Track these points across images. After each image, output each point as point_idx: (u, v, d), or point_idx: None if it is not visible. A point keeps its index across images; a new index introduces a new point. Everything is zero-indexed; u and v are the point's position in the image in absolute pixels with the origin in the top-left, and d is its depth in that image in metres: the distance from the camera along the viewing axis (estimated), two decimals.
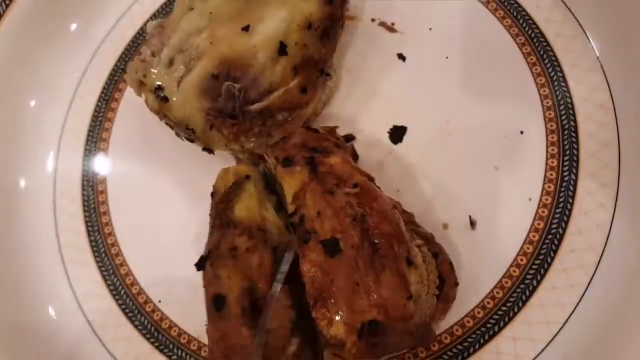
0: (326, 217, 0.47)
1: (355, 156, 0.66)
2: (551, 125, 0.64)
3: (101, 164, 0.75)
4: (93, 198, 0.73)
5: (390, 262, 0.46)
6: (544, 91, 0.65)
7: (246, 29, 0.60)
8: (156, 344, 0.64)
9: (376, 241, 0.46)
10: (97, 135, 0.77)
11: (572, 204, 0.60)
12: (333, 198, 0.48)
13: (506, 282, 0.59)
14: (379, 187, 0.53)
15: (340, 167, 0.52)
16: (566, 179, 0.61)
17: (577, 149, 0.62)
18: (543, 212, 0.60)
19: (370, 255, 0.45)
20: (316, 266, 0.46)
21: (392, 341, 0.46)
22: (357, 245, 0.46)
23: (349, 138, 0.68)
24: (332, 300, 0.44)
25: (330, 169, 0.51)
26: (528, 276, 0.58)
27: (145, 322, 0.65)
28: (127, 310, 0.67)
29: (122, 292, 0.68)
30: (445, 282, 0.53)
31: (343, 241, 0.46)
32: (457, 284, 0.55)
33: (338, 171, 0.51)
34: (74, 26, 0.82)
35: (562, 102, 0.64)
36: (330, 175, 0.50)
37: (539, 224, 0.60)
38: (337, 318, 0.44)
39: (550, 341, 0.55)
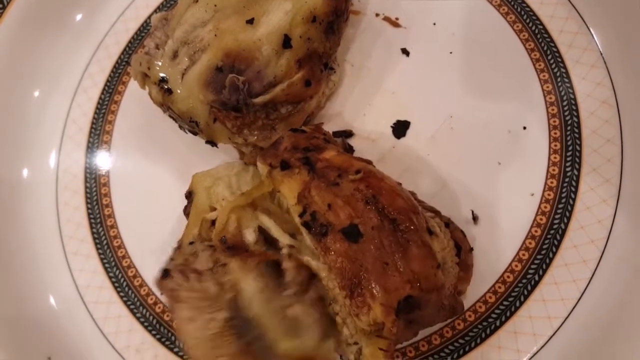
0: (338, 207, 0.47)
1: (349, 150, 0.66)
2: (554, 121, 0.64)
3: (104, 157, 0.75)
4: (96, 190, 0.73)
5: (413, 235, 0.46)
6: (547, 87, 0.65)
7: (251, 21, 0.60)
8: (158, 336, 0.64)
9: (394, 217, 0.46)
10: (100, 128, 0.77)
11: (574, 200, 0.60)
12: (339, 188, 0.48)
13: (508, 277, 0.59)
14: None
15: (338, 159, 0.52)
16: (569, 174, 0.61)
17: (580, 145, 0.62)
18: (545, 207, 0.60)
19: (392, 232, 0.46)
20: (342, 256, 0.45)
21: (427, 314, 0.47)
22: (377, 226, 0.46)
23: (347, 134, 0.68)
24: (366, 286, 0.44)
25: (328, 163, 0.51)
26: (530, 271, 0.59)
27: (147, 314, 0.66)
28: (129, 303, 0.67)
29: (124, 284, 0.68)
30: (462, 249, 0.53)
31: (362, 225, 0.46)
32: (471, 249, 0.56)
33: (336, 163, 0.51)
34: (78, 17, 0.82)
35: (565, 98, 0.64)
36: (329, 168, 0.51)
37: (541, 219, 0.60)
38: (374, 302, 0.44)
39: (552, 336, 0.56)
